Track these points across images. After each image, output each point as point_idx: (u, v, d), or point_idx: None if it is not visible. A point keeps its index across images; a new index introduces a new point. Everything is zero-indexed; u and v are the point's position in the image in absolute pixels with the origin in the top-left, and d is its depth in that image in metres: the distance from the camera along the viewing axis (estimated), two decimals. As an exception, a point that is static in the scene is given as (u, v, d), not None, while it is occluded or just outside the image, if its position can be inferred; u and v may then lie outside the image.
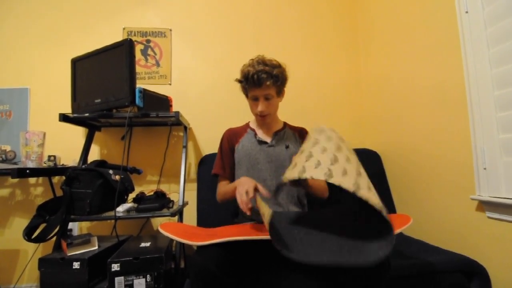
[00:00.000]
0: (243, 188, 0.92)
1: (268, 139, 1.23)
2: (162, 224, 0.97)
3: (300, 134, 1.30)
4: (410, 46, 1.51)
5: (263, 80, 1.09)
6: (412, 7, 1.48)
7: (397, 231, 0.82)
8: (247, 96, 1.20)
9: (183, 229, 0.98)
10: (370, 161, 1.71)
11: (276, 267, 1.06)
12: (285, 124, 1.33)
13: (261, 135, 1.25)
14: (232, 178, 1.26)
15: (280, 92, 1.19)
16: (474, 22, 1.12)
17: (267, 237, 0.82)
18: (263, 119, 1.20)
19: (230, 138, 1.27)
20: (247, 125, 1.32)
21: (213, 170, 1.28)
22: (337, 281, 0.86)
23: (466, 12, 1.14)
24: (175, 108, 1.62)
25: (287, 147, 1.22)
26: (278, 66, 1.15)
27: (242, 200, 0.89)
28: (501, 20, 1.03)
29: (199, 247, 0.85)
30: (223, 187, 1.21)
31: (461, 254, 1.12)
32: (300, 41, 1.97)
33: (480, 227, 1.14)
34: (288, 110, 1.88)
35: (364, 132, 1.96)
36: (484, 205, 1.11)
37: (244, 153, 1.21)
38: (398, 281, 1.03)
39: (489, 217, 1.10)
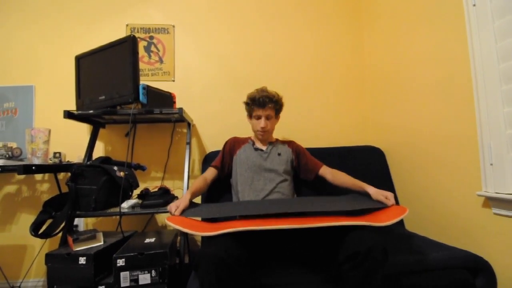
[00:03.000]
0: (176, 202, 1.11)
1: (264, 148, 1.44)
2: (170, 217, 0.98)
3: (289, 144, 1.51)
4: (415, 40, 1.48)
5: (266, 102, 1.35)
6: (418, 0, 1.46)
7: (393, 220, 0.88)
8: (250, 116, 1.44)
9: (189, 222, 0.99)
10: (374, 157, 1.70)
11: (280, 256, 1.08)
12: (276, 139, 1.54)
13: (258, 145, 1.46)
14: (223, 173, 1.43)
15: (277, 115, 1.45)
16: (481, 15, 1.10)
17: (275, 226, 0.86)
18: (263, 134, 1.41)
19: (233, 145, 1.47)
20: (249, 138, 1.52)
21: (213, 162, 1.44)
22: (336, 269, 0.90)
23: (474, 5, 1.12)
24: (178, 104, 1.62)
25: (279, 154, 1.43)
26: (277, 95, 1.41)
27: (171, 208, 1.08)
28: (509, 13, 1.01)
29: (208, 239, 0.87)
30: (200, 177, 1.37)
31: (466, 250, 1.11)
32: (304, 38, 1.95)
33: (486, 223, 1.13)
34: (293, 108, 1.88)
35: (368, 129, 1.95)
36: (491, 201, 1.10)
37: (244, 158, 1.40)
38: (403, 277, 1.02)
39: (495, 213, 1.09)
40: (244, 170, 1.37)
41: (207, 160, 1.61)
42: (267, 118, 1.38)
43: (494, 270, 1.06)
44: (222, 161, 1.43)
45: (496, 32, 1.06)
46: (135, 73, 1.33)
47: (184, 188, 1.47)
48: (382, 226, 0.87)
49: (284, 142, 1.52)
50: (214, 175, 1.40)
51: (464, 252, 1.10)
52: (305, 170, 1.45)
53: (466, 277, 1.04)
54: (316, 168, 1.43)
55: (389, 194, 1.10)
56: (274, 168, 1.36)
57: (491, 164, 1.08)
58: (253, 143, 1.46)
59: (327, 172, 1.40)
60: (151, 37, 1.84)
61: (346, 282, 0.86)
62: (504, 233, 1.06)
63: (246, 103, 1.42)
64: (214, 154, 1.59)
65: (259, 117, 1.39)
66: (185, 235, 1.40)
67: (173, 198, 1.40)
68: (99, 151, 1.73)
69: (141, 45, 1.80)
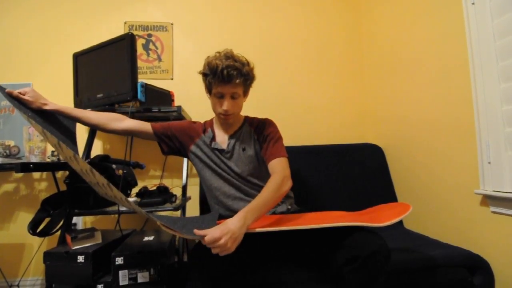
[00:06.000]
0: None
1: (224, 145, 1.14)
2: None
3: (256, 129, 1.17)
4: (414, 38, 1.48)
5: (232, 77, 0.99)
6: (417, -2, 1.46)
7: (396, 219, 0.82)
8: (209, 92, 1.09)
9: None
10: (372, 155, 1.70)
11: (277, 258, 1.06)
12: (245, 119, 1.22)
13: (219, 139, 1.16)
14: (164, 147, 1.18)
15: (246, 92, 1.12)
16: (480, 14, 1.10)
17: (270, 229, 0.83)
18: (226, 118, 1.09)
19: (189, 133, 1.18)
20: (210, 123, 1.21)
21: (156, 125, 1.16)
22: (335, 271, 0.86)
23: (473, 3, 1.12)
24: (177, 102, 1.62)
25: (243, 149, 1.12)
26: (247, 64, 1.06)
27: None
28: (508, 12, 1.01)
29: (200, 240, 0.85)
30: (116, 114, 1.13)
31: (464, 249, 1.12)
32: (302, 34, 1.95)
33: (484, 221, 1.13)
34: (290, 105, 1.88)
35: (366, 126, 1.95)
36: (488, 200, 1.11)
37: (202, 162, 1.15)
38: (401, 276, 1.03)
39: (493, 212, 1.09)
40: (207, 176, 1.14)
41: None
42: (233, 97, 1.05)
43: (492, 268, 1.06)
44: (166, 134, 1.15)
45: (495, 31, 1.05)
46: (133, 71, 1.32)
47: (183, 186, 1.47)
48: (381, 227, 0.82)
49: (252, 124, 1.19)
50: (141, 130, 1.13)
51: (462, 251, 1.11)
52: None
53: (464, 275, 1.05)
54: (267, 158, 1.08)
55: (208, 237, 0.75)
56: (242, 170, 1.10)
57: (489, 163, 1.08)
58: (212, 137, 1.15)
59: (270, 166, 1.06)
60: (150, 35, 1.83)
61: (347, 284, 0.82)
62: (501, 231, 1.06)
63: (204, 74, 1.05)
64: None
65: (221, 96, 1.05)
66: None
67: (172, 196, 1.40)
68: (97, 149, 1.72)
69: (139, 42, 1.79)
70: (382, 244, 0.81)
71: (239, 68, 1.01)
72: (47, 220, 1.29)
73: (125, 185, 1.34)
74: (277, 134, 1.15)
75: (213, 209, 1.19)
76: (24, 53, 1.73)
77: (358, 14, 2.00)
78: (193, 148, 1.17)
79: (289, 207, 1.16)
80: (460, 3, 1.17)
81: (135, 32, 1.79)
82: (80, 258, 1.12)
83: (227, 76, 0.99)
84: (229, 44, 1.86)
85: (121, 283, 1.08)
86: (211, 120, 1.24)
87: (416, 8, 1.46)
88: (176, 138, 1.17)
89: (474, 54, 1.12)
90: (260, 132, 1.15)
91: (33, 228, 1.25)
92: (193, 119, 1.76)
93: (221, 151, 1.13)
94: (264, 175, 1.09)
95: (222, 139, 1.16)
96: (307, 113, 1.91)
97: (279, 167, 1.02)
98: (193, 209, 1.60)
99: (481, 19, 1.09)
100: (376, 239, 0.82)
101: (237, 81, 1.01)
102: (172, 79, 1.82)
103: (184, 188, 1.47)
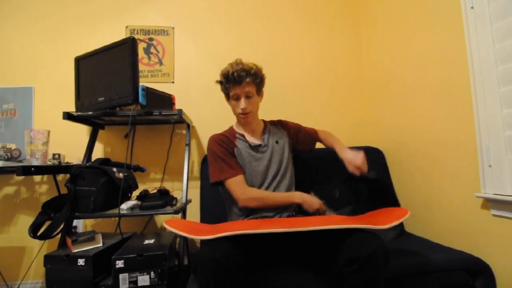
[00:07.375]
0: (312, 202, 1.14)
1: (259, 141, 1.27)
2: (168, 220, 0.97)
3: (282, 126, 1.37)
4: (414, 42, 1.49)
5: (243, 77, 1.14)
6: (416, 1, 1.46)
7: (393, 223, 0.85)
8: (228, 97, 1.25)
9: (188, 225, 0.99)
10: (373, 158, 1.69)
11: (279, 260, 1.07)
12: (265, 121, 1.37)
13: (251, 139, 1.26)
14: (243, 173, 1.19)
15: (259, 91, 1.26)
16: (479, 18, 1.10)
17: (273, 230, 0.85)
18: (245, 117, 1.21)
19: (224, 142, 1.23)
20: (232, 130, 1.30)
21: (216, 176, 1.18)
22: (337, 272, 0.88)
23: (472, 7, 1.13)
24: (178, 106, 1.62)
25: (277, 142, 1.28)
26: (255, 66, 1.20)
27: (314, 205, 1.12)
28: (507, 16, 1.01)
29: (206, 242, 0.86)
30: (260, 192, 1.16)
31: (466, 252, 1.11)
32: (302, 39, 1.96)
33: (485, 225, 1.13)
34: (291, 108, 1.88)
35: (367, 129, 1.95)
36: (489, 203, 1.11)
37: (244, 161, 1.21)
38: (402, 280, 1.02)
39: (494, 215, 1.09)
40: (247, 173, 1.19)
41: (206, 161, 1.60)
42: (247, 96, 1.18)
43: (494, 272, 1.06)
44: (227, 165, 1.17)
45: (494, 35, 1.06)
46: (135, 75, 1.33)
47: (183, 189, 1.47)
48: (382, 229, 0.85)
49: (274, 124, 1.38)
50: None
51: (463, 254, 1.10)
52: (304, 143, 1.37)
53: (465, 279, 1.05)
54: (315, 136, 1.40)
55: (360, 160, 1.15)
56: (277, 160, 1.23)
57: (490, 166, 1.08)
58: (245, 139, 1.25)
59: (321, 134, 1.40)
60: (151, 39, 1.84)
61: (347, 285, 0.84)
62: (503, 234, 1.06)
63: (220, 82, 1.22)
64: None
65: (237, 97, 1.19)
66: (184, 237, 1.40)
67: (172, 199, 1.40)
68: (98, 152, 1.72)
69: (141, 46, 1.80)
70: (380, 244, 0.83)
71: (247, 70, 1.16)
72: (47, 223, 1.29)
73: (126, 188, 1.34)
74: (296, 124, 1.42)
75: (232, 209, 1.22)
76: (26, 56, 1.74)
77: (359, 23, 2.01)
78: (237, 151, 1.23)
79: (294, 213, 1.20)
80: (459, 7, 1.18)
81: (136, 36, 1.80)
82: (81, 261, 1.12)
83: (238, 77, 1.14)
84: (230, 48, 1.89)
85: (121, 287, 1.08)
86: (231, 128, 1.33)
87: (416, 14, 1.47)
88: (231, 155, 1.22)
89: (473, 58, 1.12)
90: (286, 128, 1.36)
91: (33, 231, 1.25)
92: (194, 122, 1.79)
93: (259, 145, 1.25)
94: (287, 168, 1.27)
95: (255, 139, 1.28)
96: (310, 117, 1.91)
97: (321, 130, 1.42)
98: (193, 212, 1.60)
99: (480, 23, 1.10)
100: (375, 239, 0.85)
101: (247, 80, 1.16)
102: (173, 82, 1.83)
103: (185, 191, 1.47)
